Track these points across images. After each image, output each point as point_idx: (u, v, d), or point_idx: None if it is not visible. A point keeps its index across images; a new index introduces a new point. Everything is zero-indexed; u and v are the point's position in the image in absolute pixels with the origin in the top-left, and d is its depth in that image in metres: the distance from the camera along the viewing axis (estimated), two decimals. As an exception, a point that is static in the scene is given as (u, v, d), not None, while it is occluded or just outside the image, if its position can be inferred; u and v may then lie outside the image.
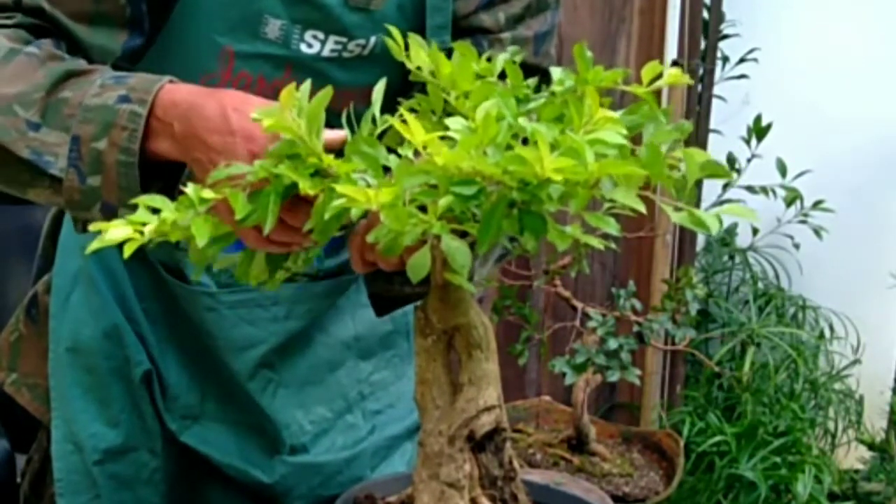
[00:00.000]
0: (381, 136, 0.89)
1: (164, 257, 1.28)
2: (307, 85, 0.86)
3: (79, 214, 1.00)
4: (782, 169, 2.51)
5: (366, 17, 1.15)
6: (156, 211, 0.84)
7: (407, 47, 0.91)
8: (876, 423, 2.96)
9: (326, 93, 0.85)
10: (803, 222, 2.62)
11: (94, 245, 0.83)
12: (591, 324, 2.42)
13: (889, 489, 2.81)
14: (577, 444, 2.56)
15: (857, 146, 2.89)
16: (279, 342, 1.33)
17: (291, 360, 1.35)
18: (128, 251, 0.82)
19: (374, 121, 0.91)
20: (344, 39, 1.16)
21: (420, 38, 0.93)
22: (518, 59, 0.91)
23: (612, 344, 2.38)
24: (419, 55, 0.89)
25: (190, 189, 0.84)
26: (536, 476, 2.26)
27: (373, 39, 1.17)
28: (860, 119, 2.84)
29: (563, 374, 2.39)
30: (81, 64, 1.04)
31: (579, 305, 2.49)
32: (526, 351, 2.57)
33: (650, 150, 0.78)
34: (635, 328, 2.47)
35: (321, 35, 1.15)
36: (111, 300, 1.29)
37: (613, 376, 2.38)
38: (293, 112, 0.84)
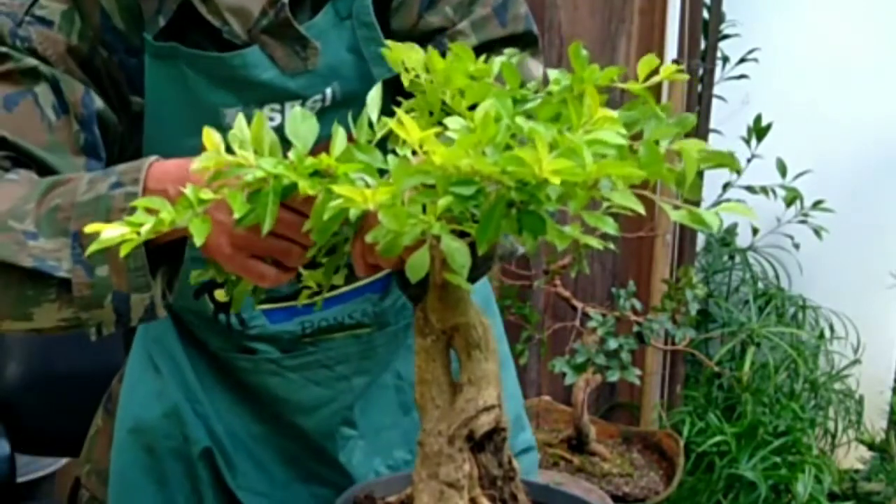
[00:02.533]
0: (382, 145, 0.89)
1: (226, 345, 1.31)
2: (241, 118, 0.86)
3: (91, 315, 0.99)
4: (782, 169, 2.51)
5: (309, 76, 1.15)
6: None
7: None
8: (876, 423, 2.96)
9: (260, 115, 0.86)
10: (803, 222, 2.63)
11: (94, 247, 0.82)
12: (591, 324, 2.43)
13: (889, 489, 2.81)
14: (577, 444, 2.57)
15: (857, 146, 2.89)
16: (353, 399, 1.33)
17: (368, 411, 1.36)
18: (124, 251, 0.82)
19: (371, 126, 0.90)
20: (299, 101, 1.16)
21: (415, 45, 0.93)
22: (515, 60, 0.91)
23: (612, 344, 2.38)
24: (410, 57, 0.89)
25: (188, 189, 0.84)
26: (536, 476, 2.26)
27: (328, 91, 1.17)
28: (860, 119, 2.84)
29: (563, 374, 2.40)
30: (64, 175, 1.04)
31: (579, 305, 2.50)
32: (526, 351, 2.57)
33: (648, 148, 0.78)
34: (635, 328, 2.48)
35: (277, 106, 1.15)
36: (172, 383, 1.32)
37: (613, 376, 2.39)
38: (235, 145, 0.84)
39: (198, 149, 1.12)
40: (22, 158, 1.07)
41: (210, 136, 0.84)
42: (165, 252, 0.99)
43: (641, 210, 0.77)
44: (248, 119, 1.13)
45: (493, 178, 0.76)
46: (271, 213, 0.83)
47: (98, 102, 1.10)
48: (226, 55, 1.12)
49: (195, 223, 0.83)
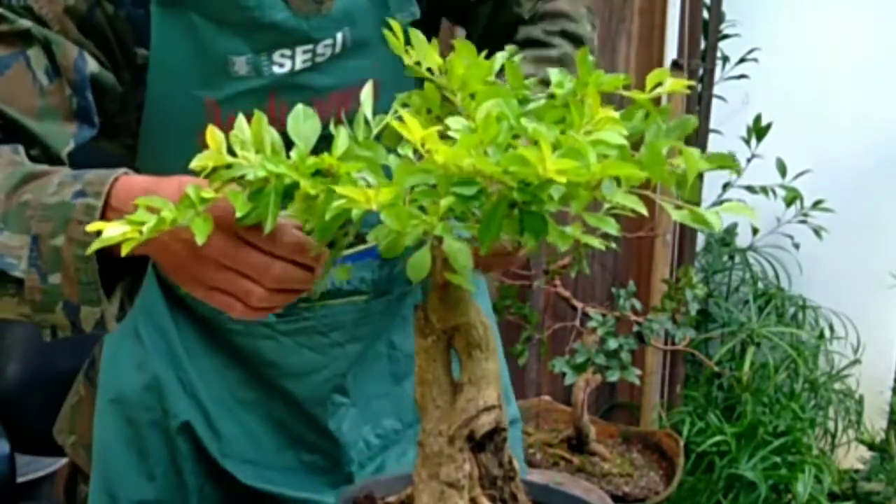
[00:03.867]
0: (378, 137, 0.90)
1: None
2: (241, 119, 0.85)
3: (44, 318, 0.97)
4: (782, 169, 2.51)
5: (322, 19, 1.14)
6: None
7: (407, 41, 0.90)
8: (876, 423, 2.96)
9: (259, 116, 0.85)
10: (803, 222, 2.63)
11: (95, 245, 0.82)
12: (591, 324, 2.43)
13: (889, 489, 2.81)
14: (577, 444, 2.57)
15: (857, 146, 2.90)
16: (346, 366, 1.33)
17: (361, 379, 1.35)
18: (125, 250, 0.82)
19: (367, 122, 0.90)
20: (310, 46, 1.15)
21: (419, 31, 0.93)
22: (517, 58, 0.91)
23: (612, 344, 2.38)
24: (431, 56, 0.89)
25: (190, 189, 0.84)
26: (536, 476, 2.26)
27: (339, 36, 1.15)
28: (860, 119, 2.85)
29: (563, 374, 2.40)
30: (41, 167, 1.02)
31: (579, 305, 2.50)
32: (526, 351, 2.57)
33: (650, 149, 0.78)
34: (635, 328, 2.48)
35: (287, 52, 1.14)
36: (156, 354, 1.31)
37: (613, 376, 2.39)
38: (237, 147, 0.84)
39: (205, 101, 1.12)
40: (9, 126, 1.05)
41: (214, 134, 0.84)
42: (129, 264, 0.97)
43: (644, 211, 0.78)
44: (256, 68, 1.13)
45: (495, 178, 0.76)
46: (272, 214, 0.83)
47: (92, 65, 1.08)
48: None
49: (196, 223, 0.83)
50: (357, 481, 1.35)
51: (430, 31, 0.94)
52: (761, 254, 2.99)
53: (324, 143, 0.89)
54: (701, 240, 2.97)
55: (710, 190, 2.64)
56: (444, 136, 0.79)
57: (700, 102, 2.77)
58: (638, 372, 2.41)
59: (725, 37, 2.82)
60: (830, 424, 2.89)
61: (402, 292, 1.34)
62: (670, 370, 2.92)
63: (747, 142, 2.60)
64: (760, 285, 2.97)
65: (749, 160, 2.56)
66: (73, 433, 1.40)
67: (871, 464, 2.92)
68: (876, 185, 2.94)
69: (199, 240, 0.82)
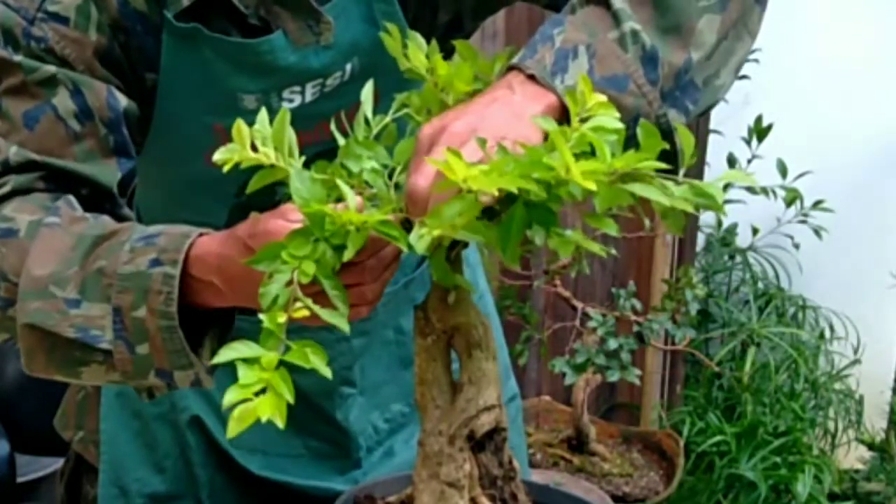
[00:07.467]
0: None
1: None
2: (264, 114, 0.85)
3: (138, 383, 0.99)
4: (782, 169, 2.51)
5: (331, 54, 1.13)
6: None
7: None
8: (876, 423, 2.96)
9: (284, 113, 0.85)
10: (803, 222, 2.63)
11: (234, 430, 0.84)
12: (591, 324, 2.42)
13: (889, 489, 2.81)
14: (577, 444, 2.57)
15: (858, 147, 2.90)
16: (353, 359, 1.33)
17: (368, 368, 1.35)
18: (268, 415, 0.83)
19: (367, 122, 0.91)
20: (320, 80, 1.14)
21: (420, 36, 0.93)
22: (516, 58, 0.92)
23: (612, 344, 2.38)
24: (417, 58, 0.89)
25: (265, 319, 0.81)
26: (536, 476, 2.26)
27: (348, 67, 1.14)
28: (860, 119, 2.84)
29: (563, 374, 2.39)
30: (106, 223, 1.01)
31: (579, 305, 2.50)
32: (526, 351, 2.57)
33: (644, 127, 0.78)
34: (635, 328, 2.48)
35: (297, 88, 1.13)
36: None
37: (613, 376, 2.39)
38: (259, 142, 0.84)
39: (213, 126, 1.12)
40: (58, 176, 1.05)
41: (240, 130, 0.84)
42: (215, 315, 0.97)
43: (665, 200, 0.77)
44: (266, 104, 1.12)
45: (521, 190, 0.76)
46: (341, 299, 0.84)
47: (122, 101, 1.07)
48: (253, 42, 1.09)
49: (296, 356, 0.81)
50: (365, 466, 1.36)
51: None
52: (761, 254, 2.99)
53: (330, 155, 0.90)
54: (701, 240, 2.96)
55: (710, 190, 2.64)
56: None
57: (700, 102, 2.77)
58: (638, 372, 2.41)
59: (726, 37, 2.82)
60: (830, 424, 2.89)
61: (405, 280, 1.34)
62: (670, 370, 2.92)
63: (748, 142, 2.60)
64: (760, 285, 2.97)
65: (749, 161, 2.56)
66: (80, 429, 1.39)
67: (871, 464, 2.93)
68: (876, 185, 2.94)
69: (326, 372, 0.82)
